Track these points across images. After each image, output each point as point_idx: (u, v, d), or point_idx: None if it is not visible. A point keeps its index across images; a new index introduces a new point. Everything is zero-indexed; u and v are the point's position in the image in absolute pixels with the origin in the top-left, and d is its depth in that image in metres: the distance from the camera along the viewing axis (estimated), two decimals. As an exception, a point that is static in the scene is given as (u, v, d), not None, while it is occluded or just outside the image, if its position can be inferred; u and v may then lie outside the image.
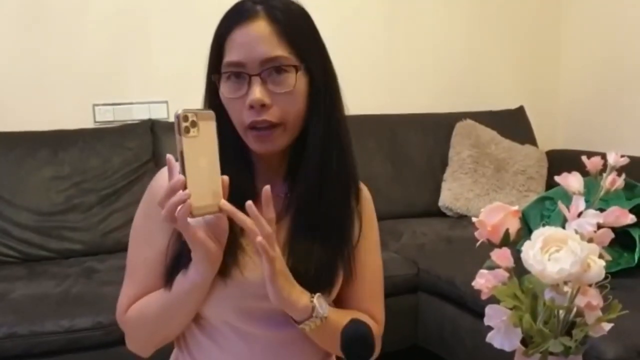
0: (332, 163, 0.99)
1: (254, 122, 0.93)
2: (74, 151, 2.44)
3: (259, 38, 0.92)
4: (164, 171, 0.95)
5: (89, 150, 2.46)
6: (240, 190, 0.90)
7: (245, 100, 0.93)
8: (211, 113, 0.87)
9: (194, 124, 0.83)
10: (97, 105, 2.67)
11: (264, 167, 1.02)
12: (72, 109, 2.63)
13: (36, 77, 2.59)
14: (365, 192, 1.11)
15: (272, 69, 0.92)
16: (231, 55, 0.93)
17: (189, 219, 0.83)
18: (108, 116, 2.69)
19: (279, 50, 0.93)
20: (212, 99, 0.99)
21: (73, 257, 2.31)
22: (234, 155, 0.97)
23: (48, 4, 2.58)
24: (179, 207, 0.81)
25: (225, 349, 1.01)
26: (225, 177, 0.86)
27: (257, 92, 0.92)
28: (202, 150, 0.84)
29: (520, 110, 3.31)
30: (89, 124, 2.64)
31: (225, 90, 0.95)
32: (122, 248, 2.38)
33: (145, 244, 1.01)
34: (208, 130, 0.85)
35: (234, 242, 0.95)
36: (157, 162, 2.53)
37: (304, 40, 0.96)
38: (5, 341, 1.72)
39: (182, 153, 0.82)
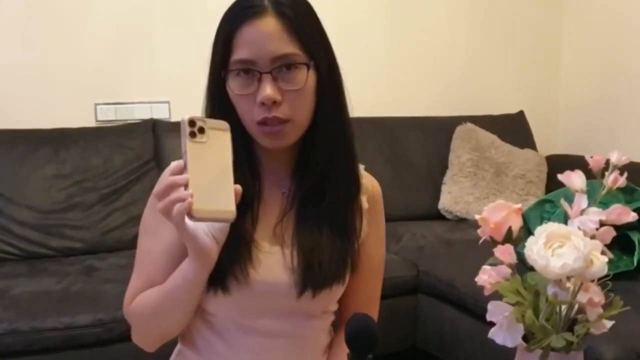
0: (339, 158, 1.00)
1: (264, 119, 0.93)
2: (75, 150, 2.44)
3: (269, 35, 0.91)
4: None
5: (90, 149, 2.47)
6: (246, 186, 0.89)
7: (256, 96, 0.92)
8: (224, 124, 0.85)
9: (201, 130, 0.82)
10: (99, 104, 2.68)
11: (271, 164, 1.02)
12: (74, 108, 2.63)
13: (38, 76, 2.59)
14: (376, 185, 1.11)
15: (282, 66, 0.92)
16: (241, 52, 0.92)
17: (189, 221, 0.82)
18: (110, 115, 2.69)
19: (289, 47, 0.92)
20: (215, 93, 0.98)
21: (73, 255, 2.31)
22: (240, 151, 0.96)
23: (51, 3, 2.59)
24: (177, 204, 0.80)
25: (233, 344, 1.01)
26: (238, 187, 0.84)
27: (268, 89, 0.91)
28: (210, 157, 0.82)
29: (520, 115, 3.32)
30: (91, 123, 2.65)
31: (235, 86, 0.94)
32: (122, 247, 2.42)
33: (152, 236, 1.01)
34: (220, 139, 0.84)
35: (246, 242, 0.96)
36: (159, 162, 2.54)
37: (311, 36, 0.96)
38: (6, 337, 1.72)
39: (185, 153, 0.81)
